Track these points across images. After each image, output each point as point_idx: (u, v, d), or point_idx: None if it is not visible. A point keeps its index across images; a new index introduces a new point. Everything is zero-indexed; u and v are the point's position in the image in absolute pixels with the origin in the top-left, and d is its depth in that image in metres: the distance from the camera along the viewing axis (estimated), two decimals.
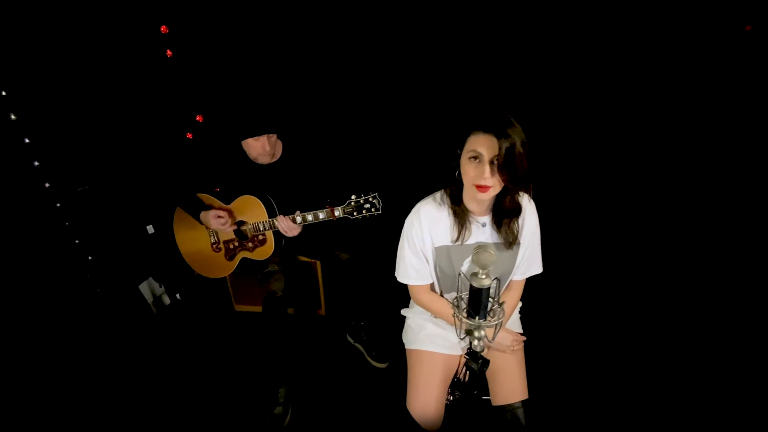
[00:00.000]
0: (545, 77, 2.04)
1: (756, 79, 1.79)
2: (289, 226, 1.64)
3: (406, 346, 1.35)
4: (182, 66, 2.18)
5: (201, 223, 1.75)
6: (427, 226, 1.16)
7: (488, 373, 1.25)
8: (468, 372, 0.83)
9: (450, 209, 1.15)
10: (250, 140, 1.61)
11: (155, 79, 2.18)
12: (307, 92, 2.22)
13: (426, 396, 1.20)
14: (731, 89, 1.84)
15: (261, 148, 1.62)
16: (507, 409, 1.17)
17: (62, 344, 1.85)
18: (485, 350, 1.25)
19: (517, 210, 1.14)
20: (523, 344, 1.28)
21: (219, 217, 1.68)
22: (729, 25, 1.73)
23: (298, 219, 1.64)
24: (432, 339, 1.29)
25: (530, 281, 1.31)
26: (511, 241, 1.15)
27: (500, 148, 0.96)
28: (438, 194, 1.20)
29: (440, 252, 1.18)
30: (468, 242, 1.16)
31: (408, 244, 1.20)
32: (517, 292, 1.30)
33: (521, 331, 1.37)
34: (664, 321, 2.04)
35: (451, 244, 1.16)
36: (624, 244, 2.29)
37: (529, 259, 1.25)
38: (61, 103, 1.86)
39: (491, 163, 0.99)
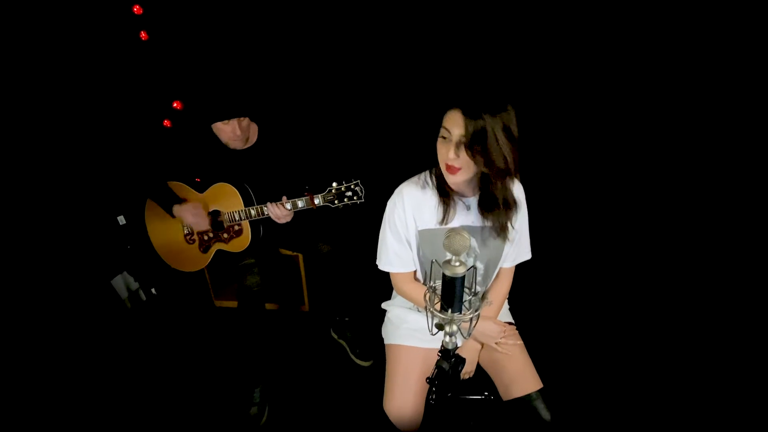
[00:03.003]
0: (533, 64, 1.97)
1: (740, 77, 1.74)
2: (282, 213, 1.53)
3: (385, 341, 1.27)
4: (159, 49, 2.07)
5: (173, 216, 1.65)
6: (410, 208, 1.08)
7: (492, 368, 1.17)
8: (438, 372, 0.73)
9: (434, 189, 1.07)
10: (219, 124, 1.50)
11: (130, 64, 2.07)
12: (282, 73, 2.11)
13: (403, 395, 1.12)
14: (718, 86, 1.80)
15: (231, 133, 1.51)
16: (525, 400, 1.09)
17: (31, 343, 1.75)
18: (480, 346, 1.18)
19: (507, 201, 1.04)
20: (518, 333, 1.21)
21: (195, 208, 1.60)
22: (716, 24, 1.68)
23: (288, 206, 1.53)
24: (412, 333, 1.21)
25: (521, 269, 1.24)
26: (500, 228, 1.06)
27: (466, 128, 0.88)
28: (422, 174, 1.11)
29: (424, 236, 1.09)
30: (452, 224, 1.07)
31: (390, 228, 1.11)
32: (507, 280, 1.22)
33: (511, 320, 1.29)
34: (660, 311, 1.99)
35: (435, 227, 1.08)
36: (616, 232, 2.24)
37: (518, 245, 1.17)
38: (25, 89, 1.75)
39: (459, 142, 0.91)
